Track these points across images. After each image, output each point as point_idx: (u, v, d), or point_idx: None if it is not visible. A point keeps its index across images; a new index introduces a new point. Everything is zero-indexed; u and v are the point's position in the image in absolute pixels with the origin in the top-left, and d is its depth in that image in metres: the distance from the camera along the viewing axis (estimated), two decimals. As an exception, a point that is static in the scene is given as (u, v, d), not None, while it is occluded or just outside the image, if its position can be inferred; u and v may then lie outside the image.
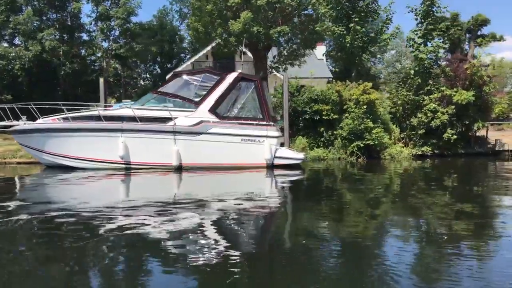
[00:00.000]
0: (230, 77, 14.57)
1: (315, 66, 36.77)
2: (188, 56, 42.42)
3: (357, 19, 18.02)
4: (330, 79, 30.61)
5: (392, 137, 18.49)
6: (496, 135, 20.25)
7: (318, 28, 19.56)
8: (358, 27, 17.96)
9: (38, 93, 26.38)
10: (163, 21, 43.64)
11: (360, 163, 16.81)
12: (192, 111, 14.22)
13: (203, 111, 14.16)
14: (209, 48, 31.73)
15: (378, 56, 58.97)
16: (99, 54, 31.82)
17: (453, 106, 17.09)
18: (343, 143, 17.76)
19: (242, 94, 14.61)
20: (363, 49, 19.40)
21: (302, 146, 17.86)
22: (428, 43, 18.20)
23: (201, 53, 35.48)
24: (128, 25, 31.23)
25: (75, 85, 29.98)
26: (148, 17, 76.79)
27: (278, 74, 33.48)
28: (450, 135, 17.14)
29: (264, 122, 14.22)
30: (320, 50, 42.93)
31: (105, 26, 29.26)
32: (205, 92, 14.36)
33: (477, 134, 19.35)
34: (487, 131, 19.41)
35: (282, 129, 17.73)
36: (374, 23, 20.53)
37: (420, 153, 17.86)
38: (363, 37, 18.71)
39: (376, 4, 19.11)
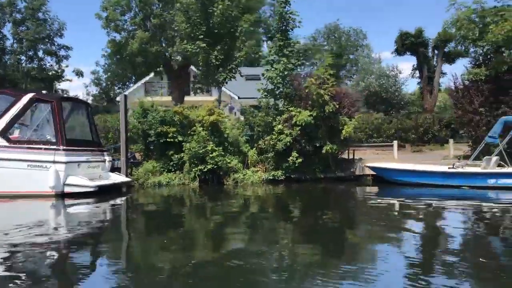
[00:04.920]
0: (25, 98, 13.65)
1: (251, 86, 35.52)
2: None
3: (201, 36, 17.07)
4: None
5: (249, 161, 17.23)
6: (372, 159, 18.70)
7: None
8: (204, 45, 16.98)
9: None
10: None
11: (195, 189, 15.67)
12: (-17, 135, 13.35)
13: (-8, 135, 13.26)
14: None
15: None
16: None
17: (298, 128, 15.77)
18: (190, 167, 16.62)
19: (37, 116, 13.71)
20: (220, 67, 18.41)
21: (146, 171, 16.78)
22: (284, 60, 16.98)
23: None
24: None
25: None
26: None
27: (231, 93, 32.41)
28: (295, 159, 15.77)
29: (54, 147, 13.18)
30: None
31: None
32: (-2, 115, 13.49)
33: (346, 157, 17.94)
34: (354, 154, 17.91)
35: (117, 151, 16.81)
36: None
37: (271, 177, 16.49)
38: (218, 56, 17.71)
39: (236, 23, 18.08)
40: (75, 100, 15.02)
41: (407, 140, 26.94)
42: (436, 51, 46.93)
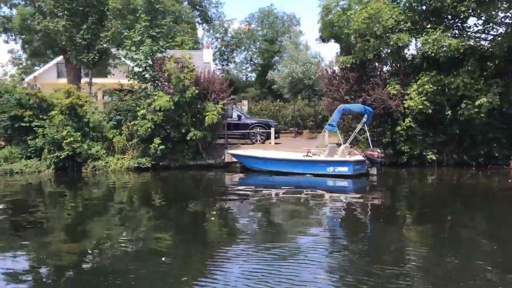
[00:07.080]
0: None
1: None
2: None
3: (61, 14, 15.92)
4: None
5: (116, 147, 16.38)
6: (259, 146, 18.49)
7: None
8: (64, 23, 15.85)
9: None
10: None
11: (49, 177, 14.79)
12: None
13: None
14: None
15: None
16: None
17: (160, 113, 15.13)
18: (48, 154, 15.58)
19: None
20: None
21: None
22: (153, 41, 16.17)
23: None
24: None
25: None
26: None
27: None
28: (157, 145, 15.16)
29: None
30: (208, 52, 40.79)
31: None
32: None
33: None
34: (227, 141, 17.58)
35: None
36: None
37: (136, 165, 15.77)
38: (84, 35, 16.60)
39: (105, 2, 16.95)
40: None
41: (305, 126, 27.15)
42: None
